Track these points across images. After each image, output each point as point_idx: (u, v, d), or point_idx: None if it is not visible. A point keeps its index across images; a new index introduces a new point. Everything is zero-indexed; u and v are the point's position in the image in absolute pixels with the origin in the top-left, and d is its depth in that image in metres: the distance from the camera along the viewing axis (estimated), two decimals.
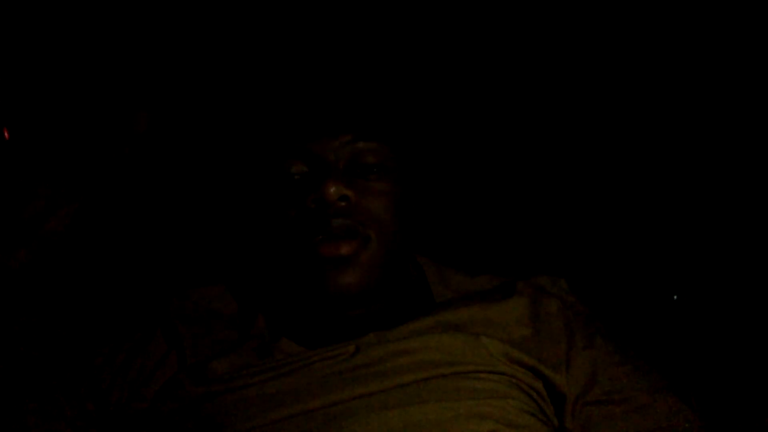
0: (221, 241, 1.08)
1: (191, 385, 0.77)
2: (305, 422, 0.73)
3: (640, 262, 1.07)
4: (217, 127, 1.09)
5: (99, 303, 1.02)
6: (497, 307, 0.83)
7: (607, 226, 1.10)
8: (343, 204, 0.80)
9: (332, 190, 0.79)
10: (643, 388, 0.80)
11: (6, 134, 1.07)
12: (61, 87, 0.94)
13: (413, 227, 0.87)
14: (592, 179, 1.12)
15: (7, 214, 0.73)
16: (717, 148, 1.07)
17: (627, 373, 0.81)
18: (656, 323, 1.03)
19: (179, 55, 1.09)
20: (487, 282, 0.91)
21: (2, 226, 0.73)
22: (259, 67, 1.08)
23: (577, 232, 1.10)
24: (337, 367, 0.76)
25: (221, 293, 0.90)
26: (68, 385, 0.80)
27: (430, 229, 0.94)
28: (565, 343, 0.82)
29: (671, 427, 0.78)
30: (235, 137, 0.93)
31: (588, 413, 0.79)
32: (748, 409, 0.87)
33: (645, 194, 1.10)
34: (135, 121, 0.75)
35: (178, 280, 1.01)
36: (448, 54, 1.13)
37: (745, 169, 1.05)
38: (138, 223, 1.11)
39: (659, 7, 1.08)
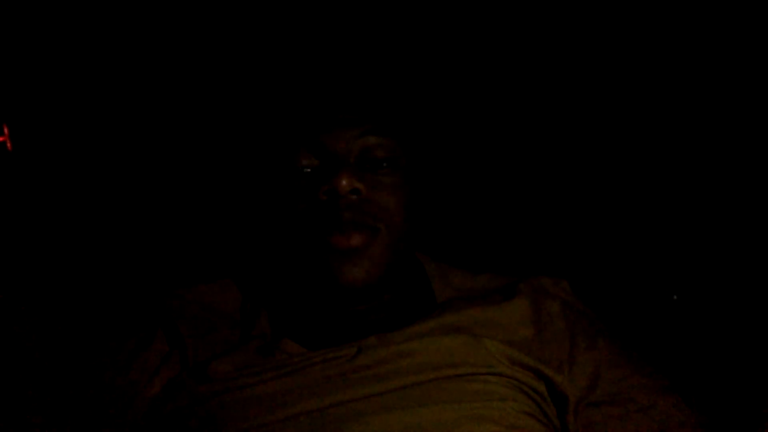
0: (224, 238, 1.08)
1: (193, 385, 0.77)
2: (306, 423, 0.73)
3: (641, 263, 1.07)
4: (225, 121, 1.09)
5: (100, 302, 1.02)
6: (499, 308, 0.83)
7: (607, 227, 1.10)
8: (354, 197, 0.80)
9: (344, 182, 0.79)
10: (645, 389, 0.80)
11: (6, 130, 1.07)
12: None
13: (418, 224, 0.87)
14: (593, 180, 1.12)
15: None
16: (717, 148, 1.07)
17: (629, 374, 0.81)
18: (656, 323, 1.03)
19: (191, 46, 1.10)
20: (488, 281, 0.91)
21: None
22: (272, 61, 1.08)
23: (579, 233, 1.10)
24: (339, 369, 0.76)
25: (223, 292, 0.89)
26: (69, 382, 0.80)
27: (431, 227, 0.94)
28: (567, 344, 0.82)
29: (673, 427, 0.78)
30: (245, 131, 0.93)
31: (590, 414, 0.79)
32: (748, 409, 0.87)
33: (645, 195, 1.10)
34: None
35: (179, 278, 1.00)
36: (459, 53, 1.13)
37: (745, 169, 1.05)
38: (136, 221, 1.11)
39: (659, 7, 1.08)
